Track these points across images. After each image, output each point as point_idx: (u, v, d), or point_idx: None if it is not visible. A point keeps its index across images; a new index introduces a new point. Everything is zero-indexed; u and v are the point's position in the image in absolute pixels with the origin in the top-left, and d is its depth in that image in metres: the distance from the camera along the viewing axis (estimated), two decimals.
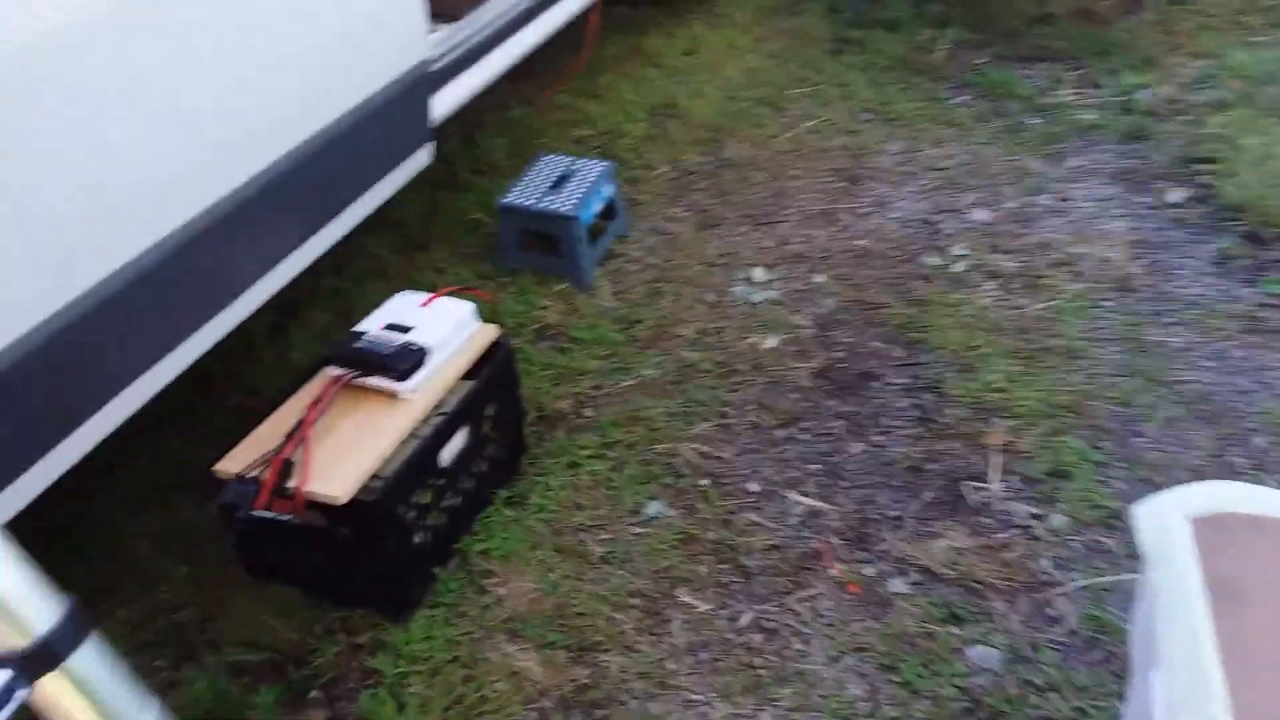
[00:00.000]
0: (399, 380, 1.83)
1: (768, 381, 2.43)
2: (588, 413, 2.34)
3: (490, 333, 2.05)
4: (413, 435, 1.83)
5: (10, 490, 1.44)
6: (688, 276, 2.79)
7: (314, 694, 1.71)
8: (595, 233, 2.81)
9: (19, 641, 0.85)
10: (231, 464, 1.71)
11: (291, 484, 1.65)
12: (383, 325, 1.93)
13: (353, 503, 1.67)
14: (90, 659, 0.89)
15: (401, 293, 2.05)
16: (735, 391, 2.41)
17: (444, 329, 1.93)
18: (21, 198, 1.40)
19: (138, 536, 2.01)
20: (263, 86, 1.80)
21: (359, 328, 1.93)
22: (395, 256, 2.88)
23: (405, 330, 1.91)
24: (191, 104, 1.66)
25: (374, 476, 1.73)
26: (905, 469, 2.18)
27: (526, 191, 2.75)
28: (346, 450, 1.73)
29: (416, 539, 1.81)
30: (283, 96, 1.86)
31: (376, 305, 2.68)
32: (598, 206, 2.80)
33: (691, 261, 2.86)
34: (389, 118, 2.15)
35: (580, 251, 2.70)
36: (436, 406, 1.90)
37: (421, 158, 2.35)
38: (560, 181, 2.79)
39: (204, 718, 1.65)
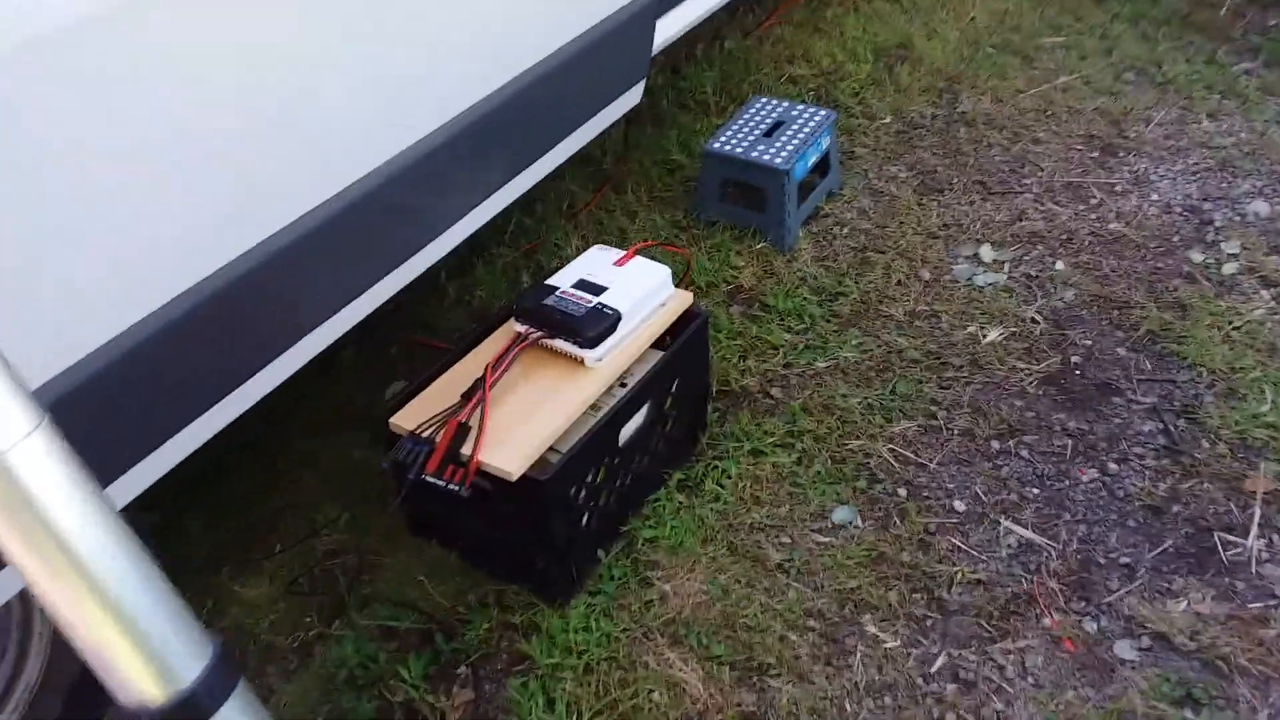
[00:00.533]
0: (586, 347, 1.67)
1: (986, 382, 2.14)
2: (775, 393, 2.13)
3: (684, 300, 1.85)
4: (593, 408, 1.68)
5: (203, 417, 1.39)
6: (902, 247, 2.50)
7: (461, 670, 1.63)
8: (805, 188, 2.55)
9: (156, 694, 0.74)
10: (407, 419, 1.61)
11: (465, 450, 1.54)
12: (574, 282, 1.77)
13: (524, 479, 1.54)
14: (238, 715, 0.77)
15: (596, 247, 1.89)
16: (946, 389, 2.13)
17: (637, 294, 1.75)
18: (226, 136, 1.32)
19: (304, 468, 1.97)
20: (488, 10, 1.65)
21: (551, 281, 1.78)
22: (587, 194, 2.72)
23: (598, 291, 1.74)
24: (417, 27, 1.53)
25: (551, 449, 1.60)
26: (1143, 507, 1.86)
27: (735, 137, 2.51)
28: (524, 418, 1.60)
29: (584, 520, 1.68)
30: (510, 17, 1.70)
31: (562, 247, 2.61)
32: (812, 160, 2.53)
33: (908, 230, 2.55)
34: (616, 44, 1.95)
35: (787, 210, 2.45)
36: (621, 377, 1.74)
37: (636, 93, 2.15)
38: (774, 129, 2.53)
39: (348, 680, 1.60)
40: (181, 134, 1.25)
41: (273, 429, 2.02)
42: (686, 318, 1.86)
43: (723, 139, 2.51)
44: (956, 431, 2.04)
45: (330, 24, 1.41)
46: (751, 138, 2.50)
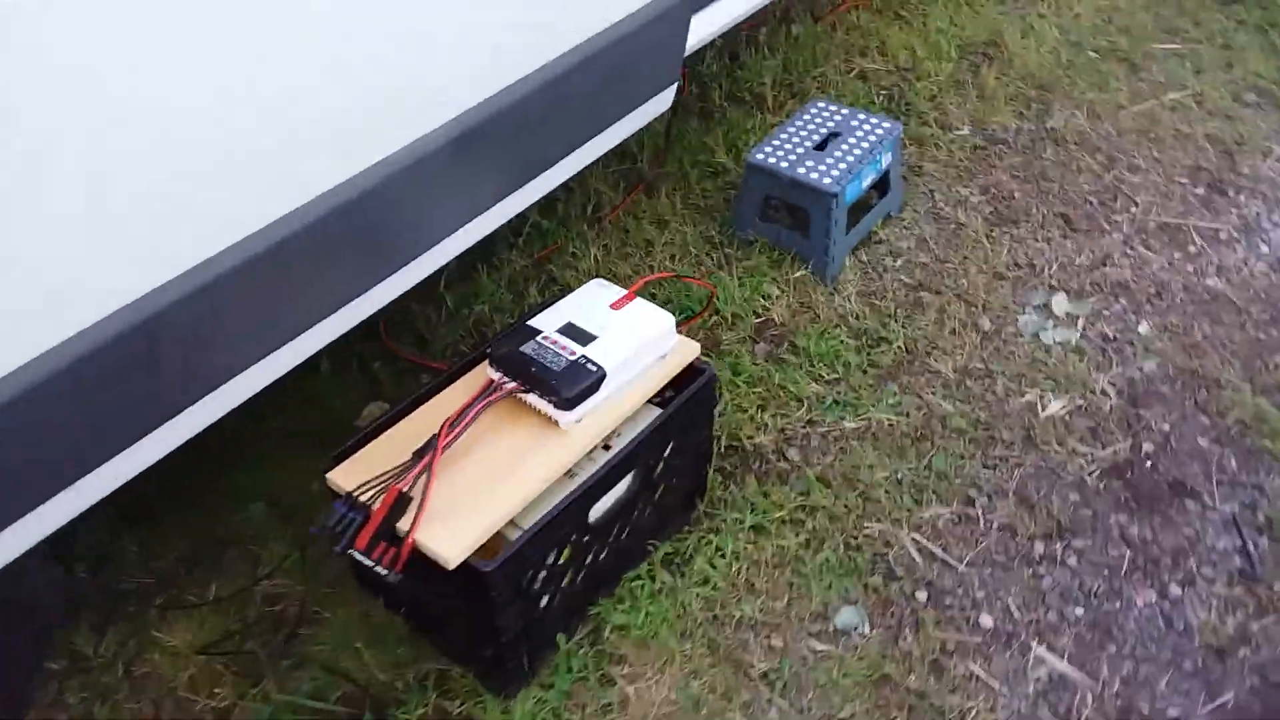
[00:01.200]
0: (563, 408, 1.44)
1: (1039, 466, 1.85)
2: (792, 455, 1.87)
3: (688, 353, 1.60)
4: (566, 475, 1.46)
5: (157, 434, 1.23)
6: (962, 288, 2.19)
7: None
8: (858, 209, 2.25)
9: None
10: (346, 477, 1.41)
11: (404, 525, 1.33)
12: (561, 325, 1.53)
13: (466, 566, 1.32)
14: None
15: (596, 282, 1.64)
16: (991, 469, 1.85)
17: (631, 346, 1.51)
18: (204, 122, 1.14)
19: (256, 495, 1.79)
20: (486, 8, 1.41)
21: (534, 321, 1.54)
22: (616, 196, 2.46)
23: (585, 340, 1.50)
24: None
25: (510, 523, 1.38)
26: (1205, 647, 1.58)
27: (784, 148, 2.22)
28: (479, 488, 1.38)
29: (540, 604, 1.46)
30: (514, 16, 1.46)
31: (580, 257, 2.32)
32: (868, 180, 2.23)
33: (972, 267, 2.25)
34: (638, 45, 1.68)
35: (832, 237, 2.16)
36: (606, 438, 1.51)
37: (664, 99, 1.88)
38: (829, 140, 2.23)
39: None
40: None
41: (231, 445, 1.83)
42: (691, 371, 1.61)
43: (769, 148, 2.22)
44: (995, 525, 1.76)
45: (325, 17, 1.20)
46: (802, 149, 2.21)
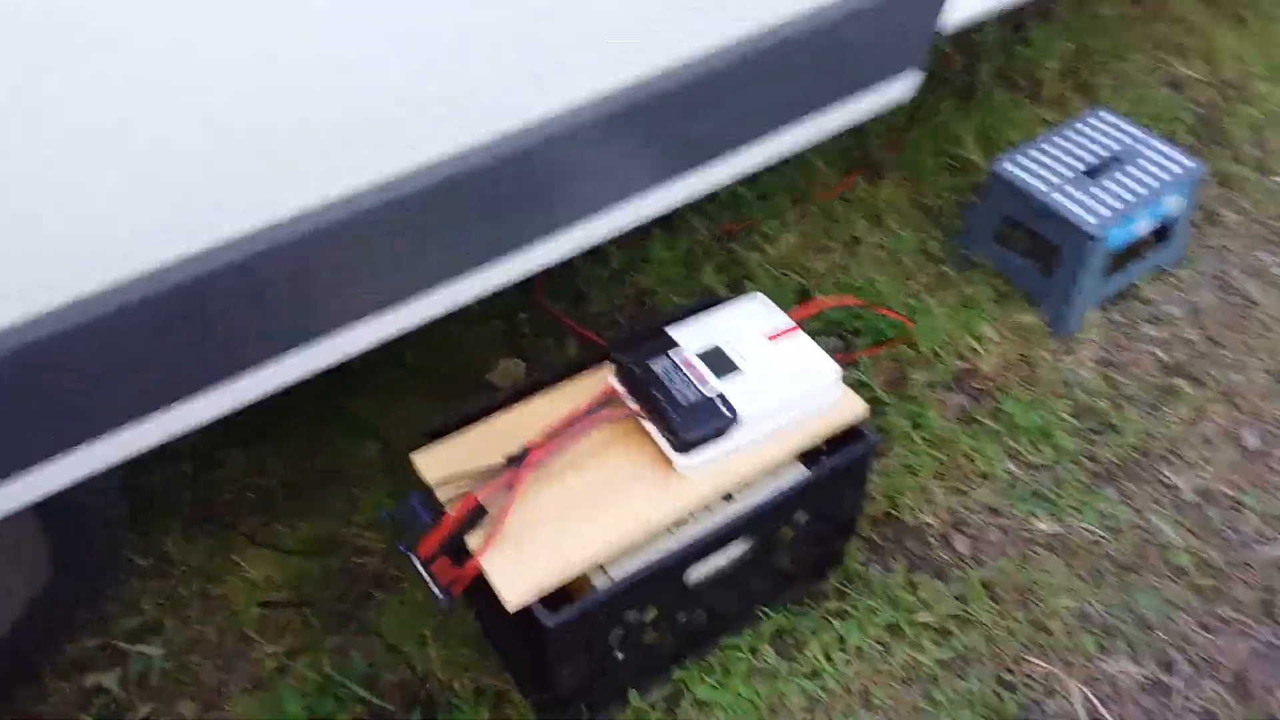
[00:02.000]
0: (678, 449, 1.21)
1: (1273, 645, 1.45)
2: (959, 545, 1.56)
3: (851, 412, 1.32)
4: (671, 526, 1.24)
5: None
6: (1232, 385, 1.75)
7: None
8: (1121, 257, 1.83)
9: None
10: (432, 463, 1.25)
11: (474, 542, 1.16)
12: (701, 348, 1.29)
13: (528, 612, 1.14)
14: None
15: (758, 298, 1.37)
16: (1210, 634, 1.46)
17: (779, 391, 1.25)
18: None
19: (370, 431, 1.68)
20: None
21: (674, 331, 1.31)
22: (831, 174, 2.13)
23: (726, 370, 1.25)
24: None
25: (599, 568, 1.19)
26: None
27: (1046, 161, 1.82)
28: (567, 517, 1.19)
29: (612, 659, 1.26)
30: None
31: (771, 238, 2.03)
32: (1142, 226, 1.80)
33: (1253, 361, 1.79)
34: (866, 22, 1.37)
35: (1080, 285, 1.77)
36: (725, 493, 1.27)
37: (899, 88, 1.54)
38: (1105, 166, 1.81)
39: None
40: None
41: (353, 371, 1.73)
42: (849, 436, 1.33)
43: (1026, 159, 1.83)
44: (1194, 707, 1.39)
45: None
46: (1067, 170, 1.80)
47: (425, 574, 1.15)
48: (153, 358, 1.02)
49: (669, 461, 1.23)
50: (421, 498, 1.21)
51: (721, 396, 1.22)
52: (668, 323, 1.33)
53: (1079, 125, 1.90)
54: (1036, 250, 1.87)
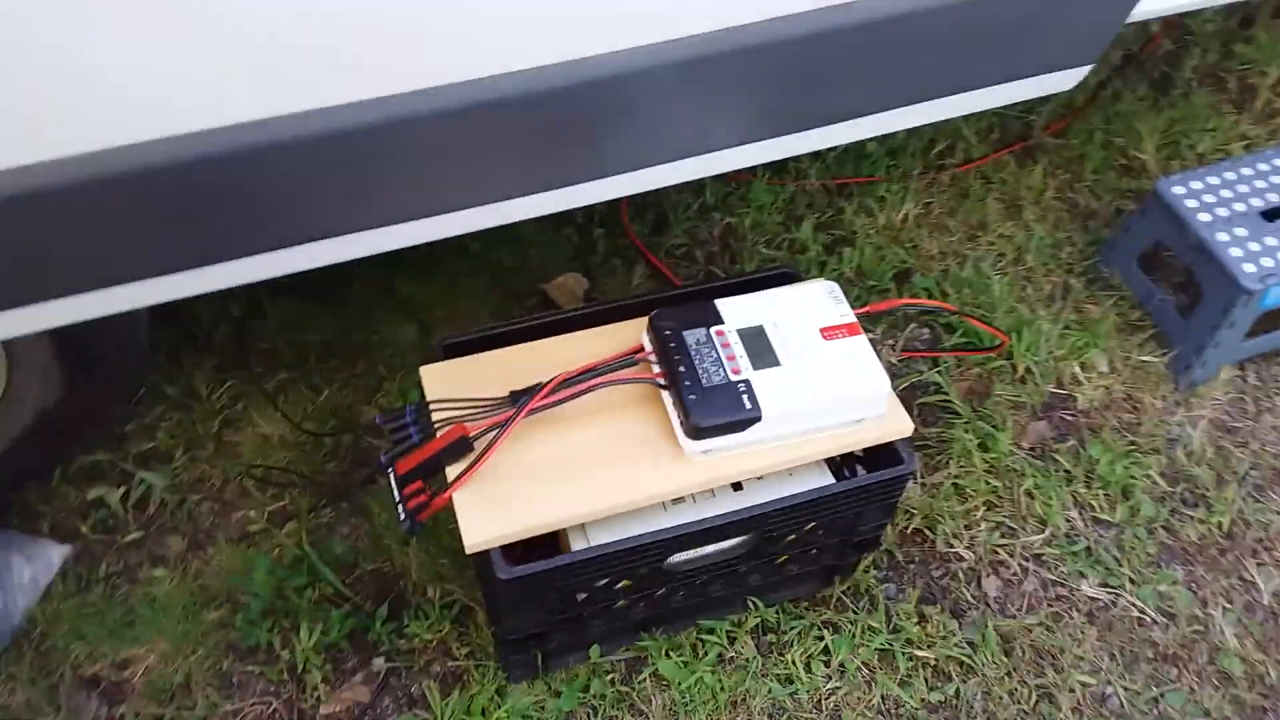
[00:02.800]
0: (688, 434, 1.12)
1: None
2: (989, 587, 1.43)
3: (896, 430, 1.19)
4: (660, 505, 1.16)
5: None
6: None
7: (376, 663, 1.31)
8: (1277, 317, 1.59)
9: None
10: (437, 380, 1.19)
11: (452, 471, 1.11)
12: (748, 325, 1.17)
13: (484, 557, 1.09)
14: None
15: (827, 286, 1.23)
16: None
17: (814, 395, 1.13)
18: None
19: (415, 314, 1.63)
20: None
21: (722, 305, 1.19)
22: (977, 146, 1.91)
23: (765, 362, 1.14)
24: None
25: (580, 528, 1.13)
26: None
27: (1221, 192, 1.57)
28: (555, 471, 1.12)
29: (572, 616, 1.22)
30: None
31: (886, 206, 1.82)
32: None
33: None
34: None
35: (1219, 338, 1.54)
36: (734, 482, 1.18)
37: (1060, 81, 1.33)
38: None
39: (261, 609, 1.33)
40: None
41: (411, 251, 1.69)
42: (885, 454, 1.21)
43: (1197, 184, 1.58)
44: None
45: None
46: (1242, 206, 1.55)
47: (396, 493, 1.12)
48: (205, 215, 0.99)
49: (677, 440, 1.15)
50: (416, 412, 1.16)
51: (749, 387, 1.11)
52: (720, 293, 1.21)
53: (1276, 157, 1.62)
54: (1179, 287, 1.64)
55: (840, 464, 1.30)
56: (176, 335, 1.58)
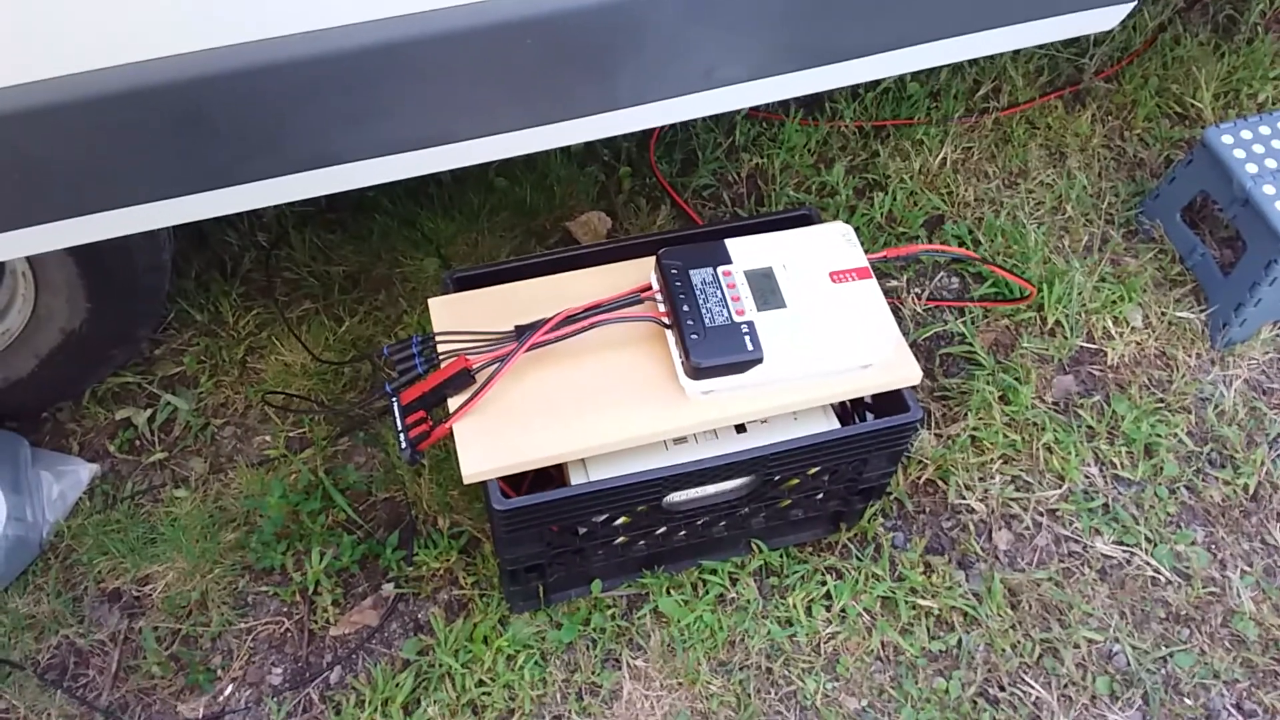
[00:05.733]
0: (689, 375, 1.11)
1: None
2: (999, 540, 1.41)
3: (904, 377, 1.17)
4: (662, 444, 1.16)
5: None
6: None
7: (385, 588, 1.35)
8: None
9: None
10: (444, 311, 1.20)
11: (454, 402, 1.12)
12: (756, 265, 1.15)
13: (483, 487, 1.11)
14: None
15: (839, 227, 1.20)
16: (1241, 715, 1.29)
17: (821, 341, 1.11)
18: None
19: (438, 247, 1.64)
20: None
21: (731, 244, 1.17)
22: (1024, 90, 1.84)
23: (771, 303, 1.12)
24: None
25: (581, 462, 1.14)
26: None
27: (1270, 145, 1.50)
28: (555, 405, 1.13)
29: (572, 549, 1.23)
30: None
31: (923, 149, 1.75)
32: None
33: None
34: None
35: (1259, 296, 1.48)
36: (738, 425, 1.18)
37: (1113, 14, 1.26)
38: None
39: (276, 531, 1.37)
40: None
41: (436, 185, 1.69)
42: (890, 401, 1.19)
43: (1247, 131, 1.50)
44: None
45: None
46: None
47: (399, 422, 1.13)
48: (221, 135, 1.00)
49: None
50: (422, 344, 1.17)
51: (752, 328, 1.10)
52: (734, 233, 1.19)
53: None
54: (1222, 242, 1.57)
55: (851, 410, 1.29)
56: (205, 262, 1.61)
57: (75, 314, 1.30)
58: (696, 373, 1.10)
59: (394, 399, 1.15)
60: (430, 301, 1.22)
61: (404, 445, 1.12)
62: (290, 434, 1.47)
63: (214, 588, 1.34)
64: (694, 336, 1.10)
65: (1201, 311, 1.58)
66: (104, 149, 0.98)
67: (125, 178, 1.00)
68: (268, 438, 1.46)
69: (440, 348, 1.16)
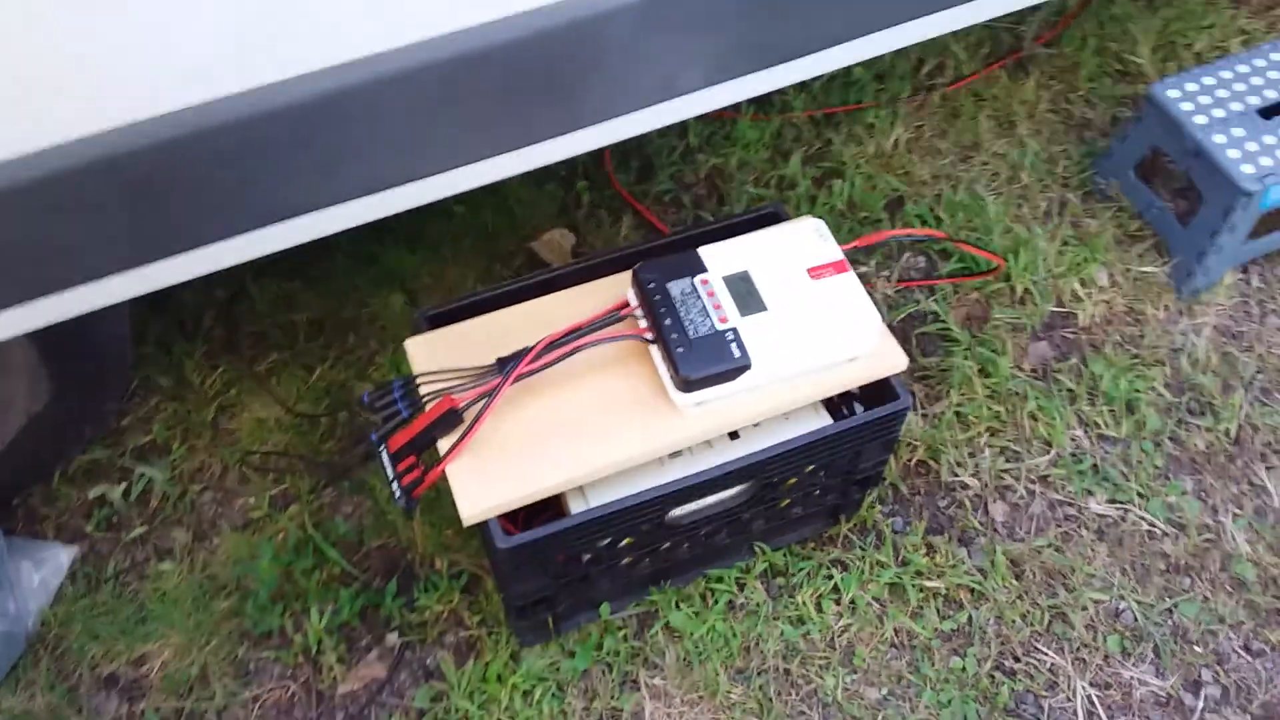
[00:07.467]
0: (679, 388, 1.10)
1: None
2: (996, 512, 1.42)
3: (890, 365, 1.17)
4: (657, 461, 1.15)
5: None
6: None
7: (390, 638, 1.32)
8: (1278, 216, 1.55)
9: None
10: (424, 351, 1.18)
11: (444, 444, 1.10)
12: (733, 271, 1.14)
13: (483, 528, 1.09)
14: None
15: (813, 224, 1.20)
16: (1255, 654, 1.31)
17: (803, 338, 1.11)
18: None
19: (402, 284, 1.61)
20: None
21: (705, 252, 1.16)
22: (968, 63, 1.86)
23: (752, 307, 1.11)
24: None
25: (578, 491, 1.12)
26: None
27: (1216, 92, 1.52)
28: (549, 434, 1.11)
29: (578, 577, 1.22)
30: None
31: (873, 134, 1.75)
32: None
33: None
34: None
35: (1219, 243, 1.51)
36: (730, 430, 1.17)
37: None
38: None
39: (270, 594, 1.33)
40: None
41: (395, 219, 1.66)
42: (880, 390, 1.19)
43: (1192, 85, 1.53)
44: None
45: None
46: (1239, 105, 1.50)
47: (390, 471, 1.11)
48: (176, 201, 0.97)
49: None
50: (403, 387, 1.15)
51: (735, 335, 1.09)
52: (705, 240, 1.18)
53: (1273, 51, 1.56)
54: (1178, 194, 1.60)
55: (838, 403, 1.29)
56: (164, 325, 1.57)
57: (38, 396, 1.25)
58: (687, 385, 1.09)
59: (382, 447, 1.12)
60: (406, 343, 1.20)
61: (398, 494, 1.10)
62: (273, 492, 1.43)
63: (213, 660, 1.30)
64: (680, 350, 1.09)
65: (1165, 264, 1.61)
66: (53, 229, 0.94)
67: (79, 256, 0.97)
68: (250, 499, 1.43)
69: (423, 389, 1.14)
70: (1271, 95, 1.50)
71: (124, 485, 1.42)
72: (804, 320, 1.12)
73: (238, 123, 0.91)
